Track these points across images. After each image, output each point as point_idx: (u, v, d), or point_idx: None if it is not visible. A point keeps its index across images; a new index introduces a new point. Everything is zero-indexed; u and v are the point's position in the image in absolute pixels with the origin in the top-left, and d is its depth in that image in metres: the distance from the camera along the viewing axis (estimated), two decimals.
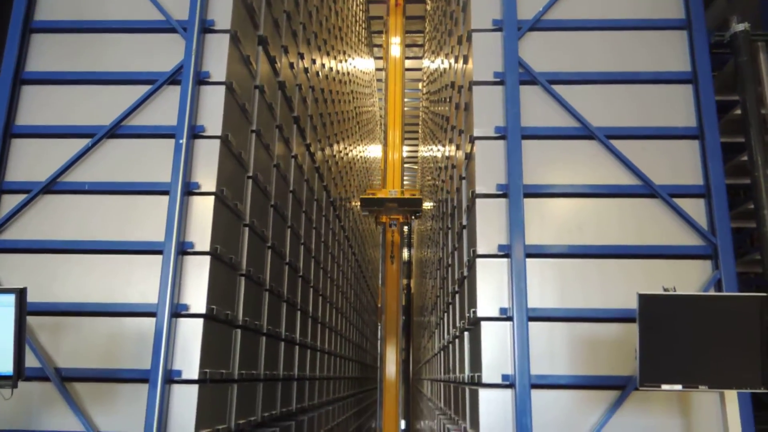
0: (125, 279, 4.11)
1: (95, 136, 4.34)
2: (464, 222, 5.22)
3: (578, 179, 4.36)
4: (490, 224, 4.28)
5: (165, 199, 4.17)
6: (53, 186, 4.30)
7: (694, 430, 3.94)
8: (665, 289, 3.37)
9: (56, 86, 4.51)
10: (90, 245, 4.18)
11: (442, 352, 8.41)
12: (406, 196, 12.64)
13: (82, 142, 4.35)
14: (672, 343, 3.30)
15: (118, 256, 4.16)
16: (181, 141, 4.21)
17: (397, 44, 15.69)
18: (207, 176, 4.25)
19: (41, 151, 4.39)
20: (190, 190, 4.21)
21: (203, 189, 4.22)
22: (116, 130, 4.38)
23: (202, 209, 4.20)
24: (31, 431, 3.96)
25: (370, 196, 12.65)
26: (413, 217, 13.56)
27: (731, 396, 3.46)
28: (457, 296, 5.90)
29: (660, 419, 3.97)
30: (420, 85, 19.61)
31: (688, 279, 4.16)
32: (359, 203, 13.28)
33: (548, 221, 4.30)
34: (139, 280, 4.10)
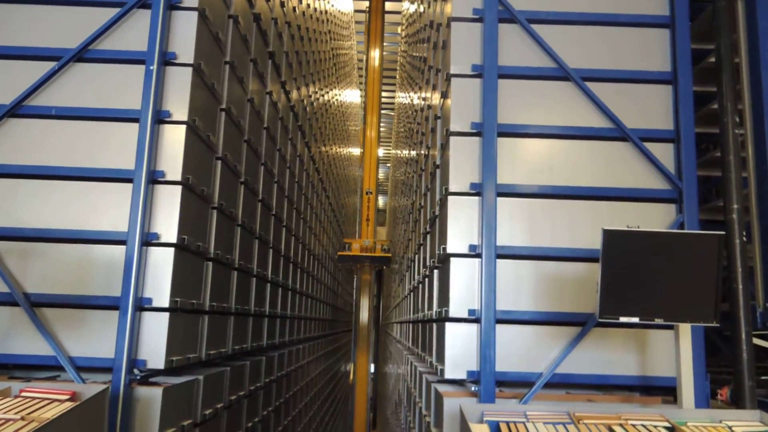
0: (94, 206, 4.07)
1: (62, 59, 4.20)
2: (438, 162, 5.24)
3: (552, 120, 4.38)
4: (463, 162, 4.31)
5: (135, 126, 4.09)
6: (18, 110, 4.19)
7: (648, 365, 4.13)
8: (629, 227, 3.46)
9: (21, 5, 4.33)
10: (58, 171, 4.11)
11: (411, 294, 8.57)
12: (378, 254, 15.43)
13: (48, 65, 4.21)
14: (632, 277, 3.41)
15: (87, 183, 4.10)
16: (151, 68, 4.11)
17: None
18: (178, 105, 4.18)
19: (4, 74, 4.25)
20: (161, 118, 4.14)
21: (174, 118, 4.15)
22: (84, 54, 4.24)
23: (174, 138, 4.14)
24: (1, 354, 3.98)
25: (348, 254, 15.40)
26: (384, 266, 16.33)
27: (685, 330, 3.61)
28: (428, 236, 5.97)
29: (617, 354, 4.14)
30: (399, 29, 19.25)
31: (653, 221, 4.27)
32: (337, 258, 15.70)
33: (520, 161, 4.35)
34: (108, 208, 4.06)
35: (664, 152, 4.35)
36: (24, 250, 4.06)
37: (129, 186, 4.03)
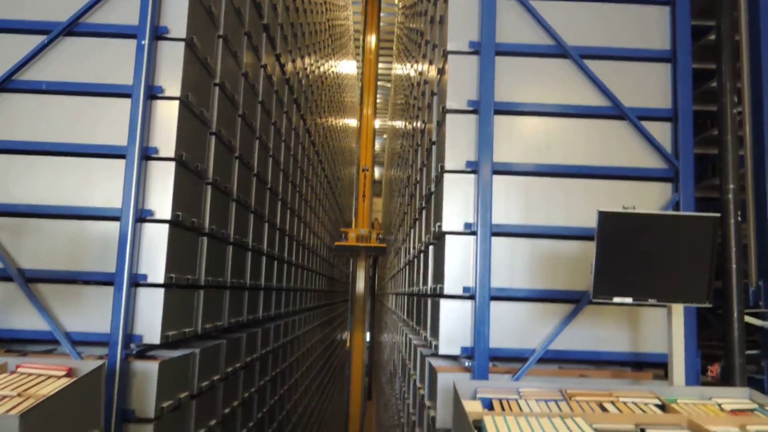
0: (88, 182, 4.05)
1: (51, 33, 4.13)
2: (434, 138, 5.21)
3: (549, 98, 4.35)
4: (459, 140, 4.28)
5: (127, 102, 4.05)
6: (8, 84, 4.13)
7: (640, 341, 4.17)
8: (625, 208, 3.46)
9: None
10: (50, 147, 4.07)
11: (407, 267, 8.61)
12: (374, 245, 15.96)
13: (38, 39, 4.14)
14: (626, 258, 3.43)
15: (80, 159, 4.07)
16: (143, 42, 4.05)
17: None
18: (171, 80, 4.12)
19: None
20: (154, 93, 4.09)
21: (167, 93, 4.11)
22: (74, 28, 4.17)
23: (167, 114, 4.10)
24: None
25: (344, 243, 15.81)
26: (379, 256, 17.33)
27: (678, 309, 3.64)
28: (424, 212, 5.98)
29: (610, 331, 4.18)
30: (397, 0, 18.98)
31: (649, 200, 4.27)
32: (334, 247, 16.23)
33: (517, 139, 4.32)
34: (102, 184, 4.04)
35: (661, 131, 4.33)
36: (17, 225, 4.04)
37: (122, 162, 4.00)
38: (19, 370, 3.32)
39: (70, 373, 3.31)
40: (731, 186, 4.18)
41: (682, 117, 4.28)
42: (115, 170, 4.03)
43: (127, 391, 3.81)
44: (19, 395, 2.91)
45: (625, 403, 3.29)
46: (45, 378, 3.20)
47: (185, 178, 4.30)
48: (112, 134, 4.06)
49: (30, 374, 3.25)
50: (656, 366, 4.27)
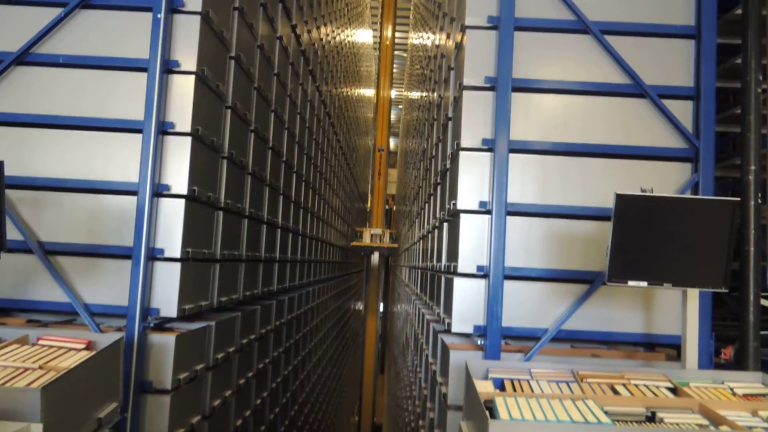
0: (104, 156, 4.07)
1: (68, 6, 4.11)
2: (450, 114, 5.16)
3: (568, 75, 4.27)
4: (475, 117, 4.24)
5: (143, 76, 4.04)
6: (26, 57, 4.13)
7: (653, 323, 4.16)
8: (643, 190, 3.42)
9: None
10: (67, 120, 4.09)
11: (421, 241, 8.62)
12: (386, 245, 17.68)
13: (54, 12, 4.13)
14: (643, 242, 3.40)
15: (97, 133, 4.09)
16: (158, 15, 4.02)
17: None
18: (187, 54, 4.10)
19: (10, 21, 4.17)
20: (170, 68, 4.07)
21: (183, 68, 4.09)
22: (90, 0, 4.15)
23: (183, 89, 4.09)
24: (19, 300, 4.08)
25: (360, 244, 17.61)
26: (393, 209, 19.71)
27: (693, 294, 3.62)
28: (438, 188, 5.95)
29: (623, 312, 4.17)
30: None
31: (668, 180, 4.21)
32: (351, 245, 17.59)
33: (534, 117, 4.27)
34: (118, 159, 4.06)
35: (682, 110, 4.25)
36: (37, 199, 4.09)
37: (139, 137, 4.02)
38: (40, 342, 3.40)
39: (89, 346, 3.38)
40: (752, 167, 4.10)
41: (705, 95, 4.19)
42: (132, 145, 4.04)
43: (145, 363, 3.89)
44: (40, 368, 2.98)
45: (636, 385, 3.30)
46: (65, 351, 3.28)
47: (201, 153, 4.31)
48: (128, 108, 4.07)
49: (51, 347, 3.32)
50: (669, 346, 4.27)
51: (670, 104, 4.23)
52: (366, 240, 17.61)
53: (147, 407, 3.89)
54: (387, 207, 23.39)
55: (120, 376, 3.50)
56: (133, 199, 4.01)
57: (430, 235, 6.89)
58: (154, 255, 4.00)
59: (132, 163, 4.04)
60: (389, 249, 17.68)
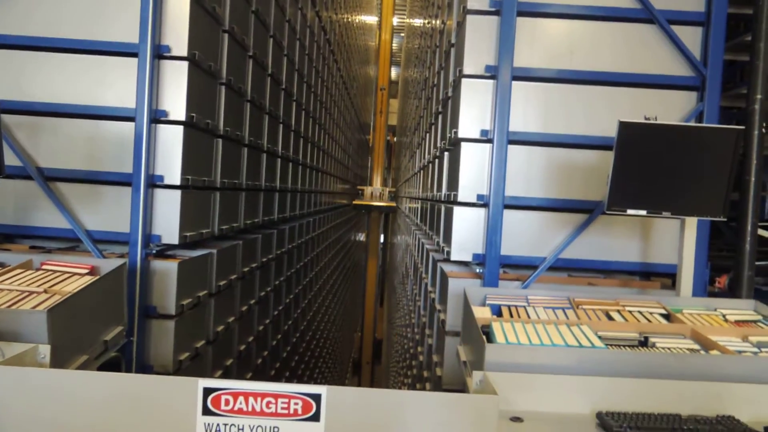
0: (100, 81, 4.00)
1: None
2: (452, 40, 5.03)
3: None
4: (478, 43, 4.14)
5: None
6: None
7: (650, 252, 4.21)
8: (646, 118, 3.38)
9: None
10: (61, 43, 3.99)
11: (421, 172, 8.60)
12: (385, 204, 19.94)
13: None
14: (644, 170, 3.39)
15: (91, 56, 4.00)
16: None
17: None
18: None
19: None
20: None
21: None
22: None
23: (177, 11, 3.96)
24: (21, 226, 4.11)
25: (361, 203, 19.64)
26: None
27: (691, 223, 3.64)
28: (439, 117, 5.88)
29: (621, 240, 4.21)
30: None
31: (672, 110, 4.15)
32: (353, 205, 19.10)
33: (539, 43, 4.17)
34: (114, 83, 3.99)
35: (691, 36, 4.14)
36: (34, 124, 4.05)
37: (134, 61, 3.92)
38: (43, 267, 3.44)
39: (92, 271, 3.43)
40: (758, 96, 4.04)
41: (715, 22, 4.07)
42: (128, 69, 3.96)
43: (149, 290, 3.95)
44: (45, 291, 3.03)
45: (630, 312, 3.36)
46: (69, 275, 3.32)
47: (198, 78, 4.23)
48: (123, 31, 3.96)
49: (54, 271, 3.37)
50: (664, 276, 4.32)
51: (678, 30, 4.11)
52: (367, 197, 19.91)
53: (152, 332, 3.98)
54: (388, 140, 24.61)
55: (124, 300, 3.56)
56: (131, 125, 3.96)
57: (430, 165, 6.87)
58: (154, 182, 4.00)
59: (128, 87, 3.96)
60: (388, 207, 19.73)
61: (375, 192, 19.99)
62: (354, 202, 18.87)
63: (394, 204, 18.97)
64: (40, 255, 3.65)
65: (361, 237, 24.23)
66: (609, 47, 4.16)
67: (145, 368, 3.92)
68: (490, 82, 4.14)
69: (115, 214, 4.05)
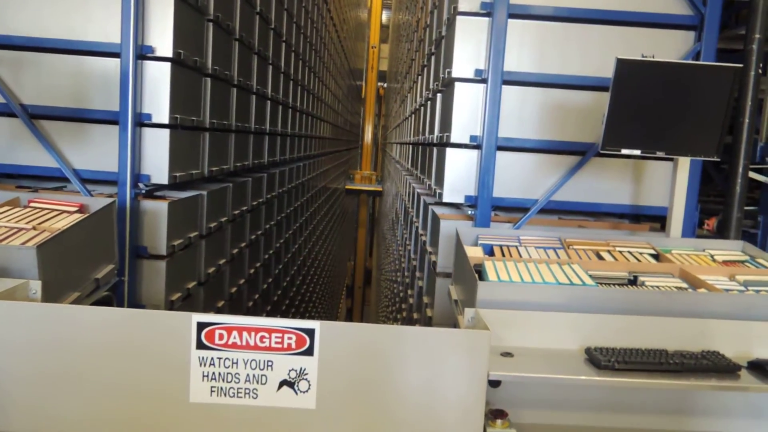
0: (84, 15, 3.86)
1: None
2: None
3: None
4: None
5: None
6: None
7: (642, 194, 4.22)
8: (644, 56, 3.32)
9: None
10: None
11: (413, 116, 8.51)
12: (374, 188, 22.84)
13: None
14: (640, 110, 3.35)
15: None
16: None
17: None
18: None
19: None
20: None
21: None
22: None
23: None
24: (6, 164, 4.03)
25: (353, 187, 22.55)
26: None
27: (684, 162, 3.64)
28: (432, 58, 5.78)
29: (613, 183, 4.21)
30: None
31: (669, 50, 4.08)
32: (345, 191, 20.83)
33: None
34: (99, 17, 3.85)
35: None
36: (16, 59, 3.93)
37: None
38: (31, 204, 3.39)
39: (81, 209, 3.38)
40: (757, 36, 3.98)
41: None
42: (111, 3, 3.82)
43: (139, 229, 3.93)
44: (33, 228, 3.00)
45: (621, 252, 3.39)
46: (58, 213, 3.28)
47: (185, 13, 4.10)
48: None
49: (42, 209, 3.32)
50: (654, 219, 4.35)
51: None
52: (357, 181, 22.98)
53: (143, 272, 3.97)
54: (378, 90, 26.27)
55: (114, 239, 3.53)
56: (116, 61, 3.85)
57: (422, 108, 6.78)
58: (142, 120, 3.92)
59: (113, 22, 3.83)
60: (374, 192, 22.69)
61: (365, 176, 23.42)
62: (347, 187, 20.99)
63: (380, 189, 21.02)
64: (27, 193, 3.60)
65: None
66: None
67: (136, 308, 3.94)
68: (485, 19, 4.04)
69: (103, 153, 3.98)
